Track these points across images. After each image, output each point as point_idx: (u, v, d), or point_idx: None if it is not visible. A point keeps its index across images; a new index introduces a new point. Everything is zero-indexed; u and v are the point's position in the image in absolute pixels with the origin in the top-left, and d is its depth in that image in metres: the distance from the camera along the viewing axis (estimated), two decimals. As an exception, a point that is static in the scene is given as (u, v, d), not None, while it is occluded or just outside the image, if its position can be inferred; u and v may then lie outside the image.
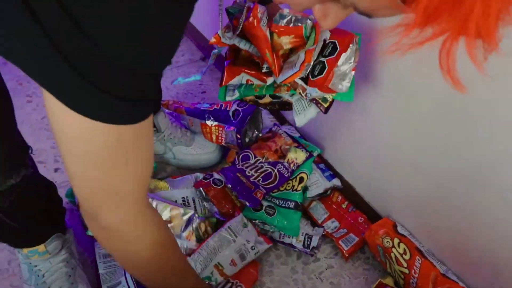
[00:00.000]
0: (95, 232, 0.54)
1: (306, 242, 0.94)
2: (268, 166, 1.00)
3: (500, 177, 0.69)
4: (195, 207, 0.94)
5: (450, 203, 0.80)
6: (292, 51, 0.79)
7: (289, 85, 0.80)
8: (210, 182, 0.97)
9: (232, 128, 1.03)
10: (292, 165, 1.00)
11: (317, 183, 1.02)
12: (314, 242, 0.94)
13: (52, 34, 0.35)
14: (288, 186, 0.99)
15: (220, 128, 1.05)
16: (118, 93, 0.40)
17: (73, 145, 0.44)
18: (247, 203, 0.93)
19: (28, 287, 0.82)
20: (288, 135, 1.08)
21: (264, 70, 0.80)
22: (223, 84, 0.82)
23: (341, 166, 1.05)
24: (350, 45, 0.71)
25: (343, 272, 0.94)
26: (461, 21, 0.24)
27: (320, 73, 0.74)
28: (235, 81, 0.81)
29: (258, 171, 0.99)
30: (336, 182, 1.03)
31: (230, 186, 0.96)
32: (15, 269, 0.89)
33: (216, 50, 0.83)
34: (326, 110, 0.78)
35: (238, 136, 1.04)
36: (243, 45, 0.77)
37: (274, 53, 0.75)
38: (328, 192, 1.03)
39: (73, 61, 0.37)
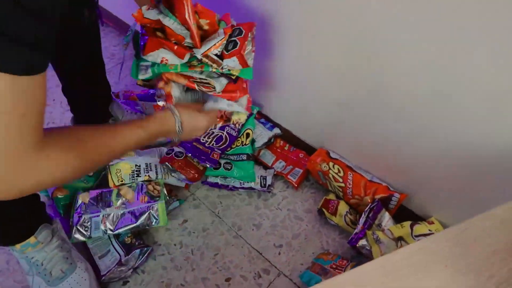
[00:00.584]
0: (12, 196, 0.44)
1: (262, 183, 1.02)
2: (218, 131, 1.02)
3: (396, 97, 0.77)
4: (156, 172, 0.98)
5: (364, 126, 0.89)
6: (206, 34, 0.75)
7: (204, 62, 0.74)
8: (173, 155, 1.00)
9: None
10: (237, 125, 1.03)
11: (261, 134, 1.09)
12: (269, 180, 1.02)
13: None
14: (238, 143, 1.04)
15: None
16: (20, 35, 0.36)
17: None
18: (207, 164, 0.97)
19: (31, 277, 0.81)
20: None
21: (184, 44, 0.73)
22: (144, 53, 0.73)
23: (278, 117, 1.11)
24: (250, 33, 0.75)
25: (296, 199, 1.04)
26: None
27: (234, 47, 0.73)
28: (152, 57, 0.73)
29: (211, 137, 1.01)
30: (276, 130, 1.11)
31: (190, 154, 0.99)
32: (14, 267, 0.88)
33: (133, 28, 0.77)
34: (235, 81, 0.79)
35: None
36: (167, 21, 0.70)
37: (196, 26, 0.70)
38: (272, 140, 1.11)
39: None
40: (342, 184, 0.97)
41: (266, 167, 1.08)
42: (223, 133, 1.03)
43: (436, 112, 0.73)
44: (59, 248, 0.82)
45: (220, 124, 1.01)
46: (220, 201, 1.03)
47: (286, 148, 1.11)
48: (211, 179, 1.04)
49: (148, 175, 0.96)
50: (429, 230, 0.85)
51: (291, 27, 0.86)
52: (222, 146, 1.01)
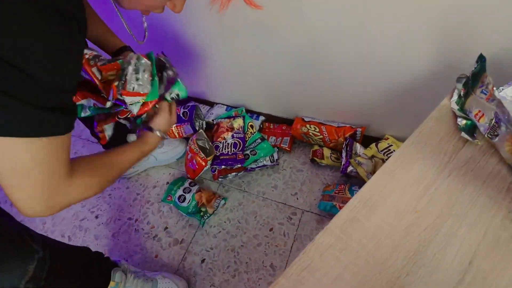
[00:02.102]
0: (52, 213, 0.45)
1: (271, 159, 1.07)
2: (230, 139, 1.05)
3: (328, 52, 0.81)
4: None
5: (319, 92, 0.94)
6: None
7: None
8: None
9: (187, 123, 1.09)
10: (240, 128, 1.07)
11: (255, 125, 1.13)
12: (276, 156, 1.07)
13: None
14: (248, 137, 1.07)
15: (180, 127, 1.10)
16: (46, 105, 0.37)
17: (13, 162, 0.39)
18: (239, 165, 1.00)
19: None
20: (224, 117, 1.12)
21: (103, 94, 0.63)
22: (76, 100, 0.62)
23: (258, 107, 1.16)
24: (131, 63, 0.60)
25: (292, 159, 1.11)
26: None
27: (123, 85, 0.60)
28: (84, 102, 0.63)
29: (228, 147, 1.04)
30: (262, 118, 1.16)
31: (223, 167, 1.01)
32: None
33: None
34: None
35: (192, 127, 1.10)
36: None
37: (103, 83, 0.61)
38: (261, 125, 1.16)
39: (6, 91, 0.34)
40: (321, 136, 1.05)
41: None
42: (235, 139, 1.05)
43: (362, 67, 0.81)
44: (136, 278, 0.80)
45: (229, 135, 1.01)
46: (242, 181, 1.09)
47: (271, 127, 1.17)
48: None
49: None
50: (388, 143, 0.97)
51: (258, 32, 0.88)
52: (240, 148, 1.04)
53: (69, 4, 0.37)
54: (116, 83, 0.59)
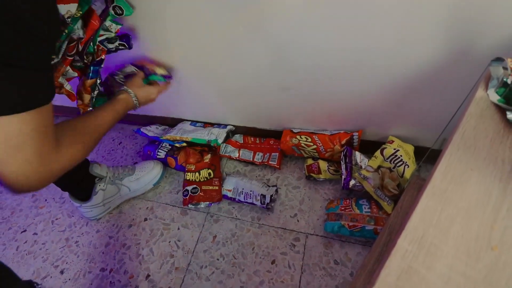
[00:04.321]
0: (44, 185, 0.46)
1: (261, 200, 0.89)
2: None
3: (296, 59, 0.72)
4: None
5: (307, 99, 0.83)
6: None
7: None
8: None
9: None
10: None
11: (220, 133, 1.00)
12: (267, 199, 0.88)
13: None
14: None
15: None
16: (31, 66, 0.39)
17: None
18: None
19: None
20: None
21: None
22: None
23: (239, 121, 1.02)
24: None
25: (285, 175, 0.98)
26: None
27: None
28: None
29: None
30: (229, 127, 1.02)
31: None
32: None
33: None
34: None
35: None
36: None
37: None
38: (230, 135, 1.03)
39: None
40: (314, 146, 0.93)
41: (268, 185, 0.94)
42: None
43: (357, 61, 0.70)
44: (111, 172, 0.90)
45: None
46: (232, 207, 0.94)
47: (257, 141, 1.05)
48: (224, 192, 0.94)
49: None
50: (394, 148, 0.85)
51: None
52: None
53: None
54: None
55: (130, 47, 0.76)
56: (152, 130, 1.07)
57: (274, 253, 0.83)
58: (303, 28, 0.66)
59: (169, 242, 0.89)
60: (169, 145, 1.04)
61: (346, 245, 0.81)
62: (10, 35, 0.36)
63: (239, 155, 1.01)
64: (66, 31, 0.59)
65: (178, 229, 0.91)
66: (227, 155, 1.02)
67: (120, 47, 0.74)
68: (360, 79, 0.74)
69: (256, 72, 0.81)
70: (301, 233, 0.85)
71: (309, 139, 0.93)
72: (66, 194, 1.02)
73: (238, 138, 1.05)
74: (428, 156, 0.83)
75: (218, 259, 0.84)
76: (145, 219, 0.94)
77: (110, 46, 0.72)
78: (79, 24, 0.60)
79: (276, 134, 1.01)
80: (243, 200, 0.90)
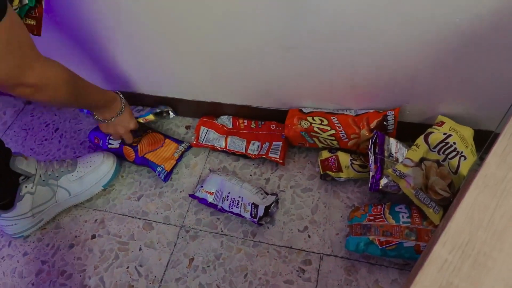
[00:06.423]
0: (23, 93, 0.67)
1: (252, 213, 0.87)
2: None
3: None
4: None
5: (323, 63, 0.84)
6: None
7: None
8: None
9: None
10: None
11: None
12: (260, 212, 0.87)
13: None
14: None
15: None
16: None
17: None
18: None
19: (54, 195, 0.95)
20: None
21: None
22: None
23: (229, 97, 1.04)
24: None
25: (293, 173, 0.98)
26: None
27: None
28: None
29: None
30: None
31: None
32: None
33: None
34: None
35: None
36: None
37: None
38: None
39: None
40: (332, 131, 0.93)
41: (266, 192, 0.94)
42: None
43: (389, 9, 0.68)
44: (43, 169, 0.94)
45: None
46: (216, 217, 0.93)
47: (253, 126, 1.05)
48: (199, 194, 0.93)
49: None
50: (444, 133, 0.84)
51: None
52: None
53: None
54: None
55: None
56: None
57: (275, 281, 0.83)
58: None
59: (127, 268, 0.89)
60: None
61: (376, 269, 0.81)
62: None
63: (226, 144, 1.01)
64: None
65: (140, 249, 0.91)
66: (208, 144, 1.03)
67: None
68: (399, 29, 0.73)
69: (248, 20, 0.80)
70: (314, 253, 0.86)
71: (325, 122, 0.93)
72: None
73: (225, 120, 1.06)
74: (492, 143, 0.83)
75: (196, 291, 0.84)
76: (93, 237, 0.95)
77: None
78: None
79: (279, 115, 1.02)
80: (227, 209, 0.90)
